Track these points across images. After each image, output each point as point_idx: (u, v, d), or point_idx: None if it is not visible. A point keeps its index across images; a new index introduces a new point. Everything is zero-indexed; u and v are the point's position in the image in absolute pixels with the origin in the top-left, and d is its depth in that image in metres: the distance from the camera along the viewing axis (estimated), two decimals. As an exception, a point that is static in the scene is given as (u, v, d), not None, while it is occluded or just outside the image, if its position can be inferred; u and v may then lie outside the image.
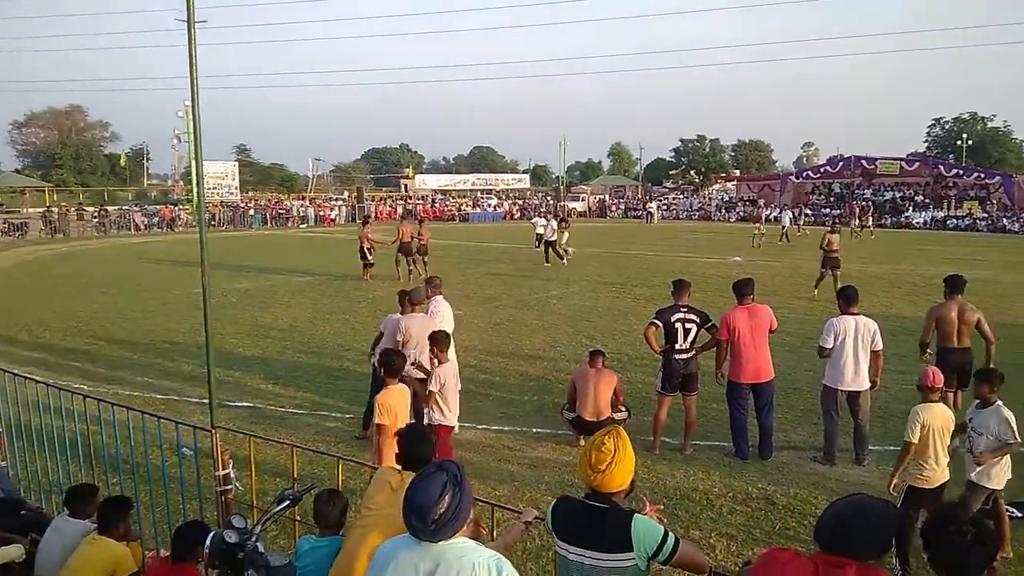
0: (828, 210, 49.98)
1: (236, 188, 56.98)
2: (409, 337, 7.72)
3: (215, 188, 53.32)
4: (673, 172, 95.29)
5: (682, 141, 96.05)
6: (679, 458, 7.71)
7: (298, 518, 5.13)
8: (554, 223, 26.68)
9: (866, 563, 2.55)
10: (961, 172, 52.45)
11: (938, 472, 5.52)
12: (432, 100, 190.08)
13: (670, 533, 3.09)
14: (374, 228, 23.06)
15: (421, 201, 64.11)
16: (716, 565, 3.39)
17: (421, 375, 7.61)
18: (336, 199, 64.71)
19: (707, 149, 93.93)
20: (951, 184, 51.43)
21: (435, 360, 7.01)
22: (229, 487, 5.07)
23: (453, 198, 67.82)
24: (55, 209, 45.55)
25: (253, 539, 3.88)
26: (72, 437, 5.73)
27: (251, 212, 49.84)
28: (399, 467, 3.83)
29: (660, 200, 62.12)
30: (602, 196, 69.43)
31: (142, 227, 45.10)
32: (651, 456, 7.72)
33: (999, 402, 5.55)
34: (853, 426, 7.62)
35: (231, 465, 5.11)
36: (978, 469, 5.48)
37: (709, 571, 3.23)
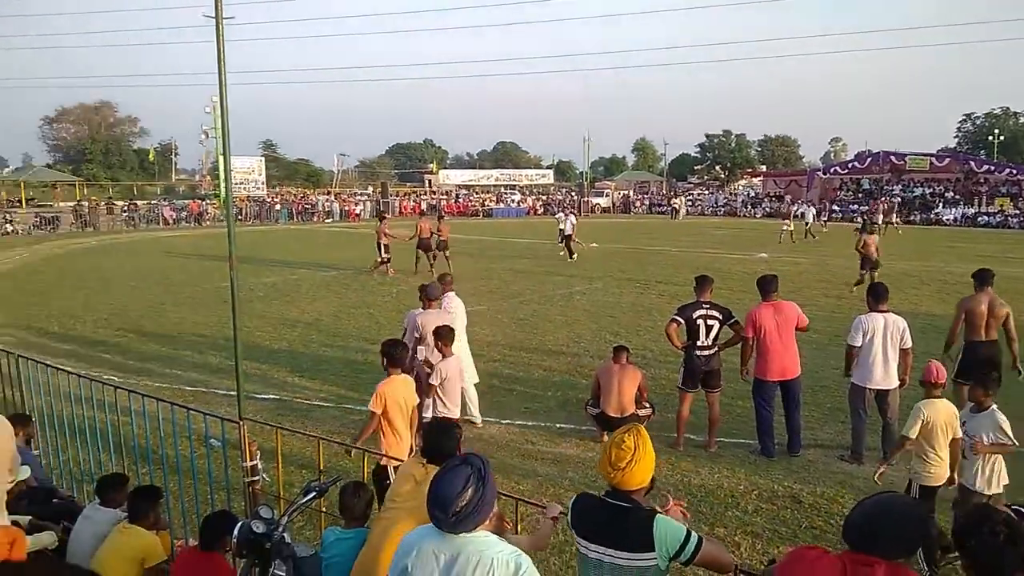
0: (856, 206, 49.35)
1: (263, 183, 57.49)
2: (426, 333, 7.74)
3: (242, 183, 53.83)
4: (698, 167, 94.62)
5: (707, 136, 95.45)
6: (703, 455, 7.68)
7: (324, 510, 5.17)
8: (573, 218, 26.59)
9: (895, 562, 2.52)
10: (992, 168, 51.47)
11: (943, 468, 5.51)
12: (456, 95, 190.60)
13: (693, 532, 3.07)
14: (395, 223, 23.18)
15: (445, 196, 64.28)
16: (741, 564, 3.36)
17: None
18: (361, 194, 65.10)
19: (733, 144, 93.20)
20: (982, 180, 50.51)
21: (439, 354, 7.04)
22: (256, 478, 5.13)
23: (477, 193, 67.90)
24: (85, 203, 46.31)
25: (280, 530, 3.92)
26: (103, 427, 5.82)
27: (277, 207, 50.29)
28: (424, 460, 3.85)
29: (685, 196, 61.68)
30: (626, 192, 69.17)
31: (170, 221, 45.69)
32: (675, 453, 7.69)
33: (994, 407, 5.48)
34: (881, 425, 7.53)
35: (258, 456, 5.17)
36: (972, 473, 5.44)
37: (734, 570, 3.21)
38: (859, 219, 33.23)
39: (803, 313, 7.83)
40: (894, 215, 39.54)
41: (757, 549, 5.75)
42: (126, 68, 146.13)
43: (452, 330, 7.11)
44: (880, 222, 36.81)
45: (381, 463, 5.96)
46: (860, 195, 53.43)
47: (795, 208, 38.55)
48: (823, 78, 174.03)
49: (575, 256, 24.45)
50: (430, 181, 76.53)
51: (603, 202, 61.85)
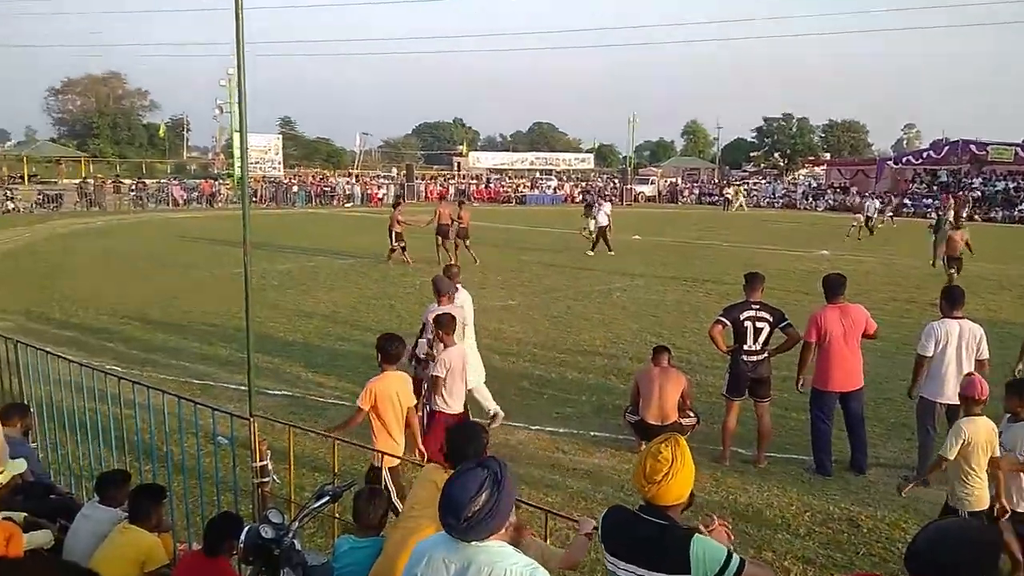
0: (931, 201, 48.45)
1: (279, 163, 58.13)
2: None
3: (258, 163, 54.47)
4: (754, 154, 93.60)
5: (766, 120, 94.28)
6: (752, 471, 7.62)
7: (337, 516, 5.23)
8: (608, 206, 26.48)
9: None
10: (1087, 161, 50.16)
11: (984, 489, 5.45)
12: (488, 72, 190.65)
13: (734, 554, 3.04)
14: (416, 210, 23.28)
15: (475, 180, 64.44)
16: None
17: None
18: (384, 177, 65.57)
19: (794, 129, 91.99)
20: (1075, 174, 49.26)
21: (440, 344, 7.07)
22: (266, 479, 5.20)
23: (509, 178, 67.95)
24: (91, 181, 47.16)
25: (290, 535, 3.98)
26: (104, 420, 5.94)
27: (295, 189, 50.82)
28: (446, 465, 3.88)
29: (740, 185, 61.03)
30: (674, 179, 68.72)
31: (180, 202, 46.41)
32: (720, 467, 7.65)
33: None
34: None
35: (268, 456, 5.24)
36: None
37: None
38: (932, 215, 32.53)
39: (871, 318, 7.72)
40: (966, 210, 38.60)
41: (809, 576, 5.70)
42: (136, 37, 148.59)
43: (453, 318, 7.12)
44: (952, 219, 35.90)
45: (374, 464, 6.02)
46: (935, 188, 52.43)
47: (864, 200, 37.77)
48: (896, 58, 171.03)
49: (594, 251, 24.31)
50: (459, 164, 76.72)
51: (648, 190, 61.53)
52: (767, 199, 58.52)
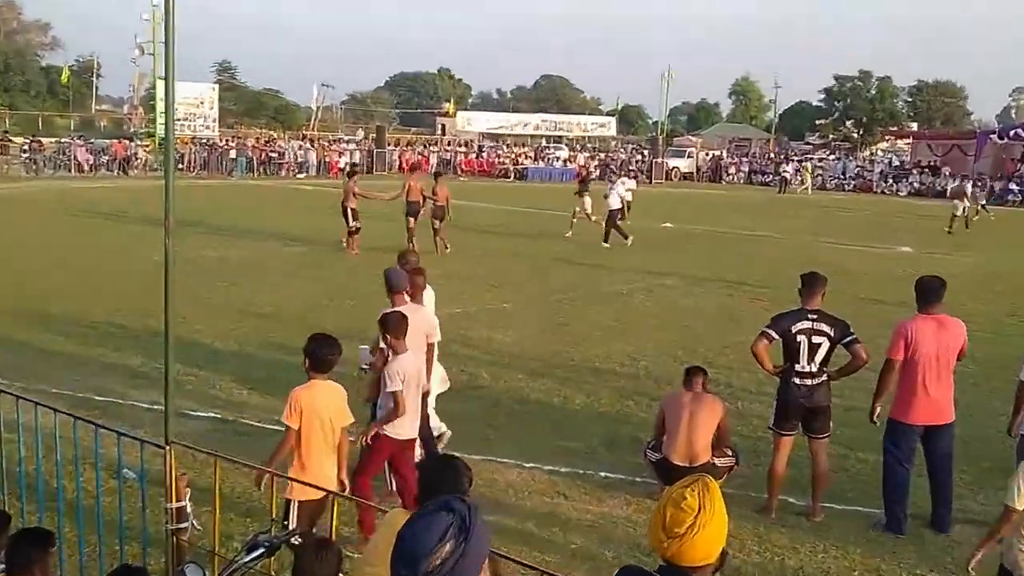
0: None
1: (215, 121, 58.15)
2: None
3: (187, 119, 54.45)
4: (821, 122, 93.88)
5: (837, 79, 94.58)
6: (804, 526, 7.64)
7: (274, 574, 5.23)
8: (632, 183, 26.49)
9: None
10: None
11: None
12: (484, 8, 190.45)
13: None
14: (379, 184, 23.28)
15: (463, 148, 64.48)
16: None
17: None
18: (348, 140, 65.47)
19: (872, 92, 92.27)
20: None
21: (388, 351, 7.05)
22: (184, 525, 5.19)
23: (508, 146, 68.03)
24: (-30, 138, 47.12)
25: (211, 598, 3.97)
26: (-23, 446, 5.95)
27: (233, 154, 50.83)
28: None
29: (807, 161, 61.08)
30: (717, 152, 68.84)
31: (87, 167, 46.35)
32: (765, 521, 7.66)
33: None
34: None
35: (188, 496, 5.23)
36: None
37: None
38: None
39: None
40: None
41: (873, 661, 5.72)
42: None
43: (404, 318, 7.10)
44: None
45: (287, 496, 6.02)
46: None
47: (964, 184, 37.54)
48: (1005, 4, 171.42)
49: (609, 242, 24.35)
50: (444, 127, 76.76)
51: (684, 165, 61.64)
52: (835, 179, 58.63)
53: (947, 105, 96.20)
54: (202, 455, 6.49)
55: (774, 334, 7.74)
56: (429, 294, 8.97)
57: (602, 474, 8.58)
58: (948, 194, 34.58)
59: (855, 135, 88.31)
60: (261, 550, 4.27)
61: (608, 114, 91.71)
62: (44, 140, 50.60)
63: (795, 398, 7.78)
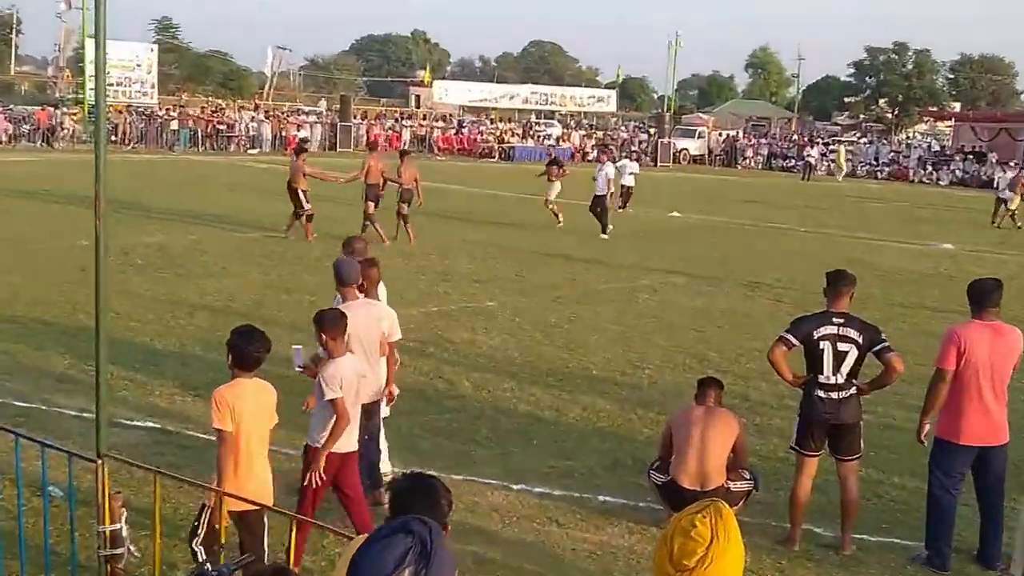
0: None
1: (153, 87, 57.85)
2: (348, 337, 7.69)
3: (121, 84, 54.19)
4: (850, 100, 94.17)
5: (869, 51, 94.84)
6: (833, 560, 7.65)
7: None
8: (634, 166, 26.46)
9: None
10: None
11: None
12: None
13: None
14: (338, 164, 23.23)
15: (440, 123, 64.44)
16: None
17: (370, 396, 7.78)
18: (308, 112, 65.31)
19: (909, 66, 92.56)
20: None
21: (327, 351, 7.01)
22: (120, 551, 5.19)
23: (492, 121, 67.97)
24: None
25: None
26: None
27: (174, 125, 50.63)
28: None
29: (836, 142, 61.18)
30: (732, 132, 69.02)
31: (4, 137, 46.07)
32: (788, 554, 7.67)
33: None
34: None
35: (124, 517, 5.22)
36: None
37: None
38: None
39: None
40: None
41: None
42: None
43: (342, 316, 7.08)
44: None
45: (209, 504, 6.02)
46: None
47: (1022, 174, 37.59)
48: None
49: (607, 233, 24.47)
50: (418, 98, 76.70)
51: (694, 146, 61.86)
52: (867, 165, 58.88)
53: (994, 83, 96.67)
54: (140, 471, 6.45)
55: (794, 340, 7.73)
56: (382, 290, 8.92)
57: (601, 498, 8.55)
58: (999, 184, 34.56)
59: (889, 115, 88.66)
60: (210, 580, 4.26)
61: (607, 87, 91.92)
62: (-45, 106, 50.38)
63: (819, 413, 7.77)
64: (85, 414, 9.17)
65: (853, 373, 7.73)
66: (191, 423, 9.85)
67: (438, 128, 62.15)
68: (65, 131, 47.92)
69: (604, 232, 24.55)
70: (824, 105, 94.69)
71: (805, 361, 7.79)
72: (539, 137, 62.40)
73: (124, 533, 5.25)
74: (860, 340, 7.68)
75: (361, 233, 20.94)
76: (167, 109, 55.74)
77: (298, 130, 53.02)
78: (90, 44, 42.06)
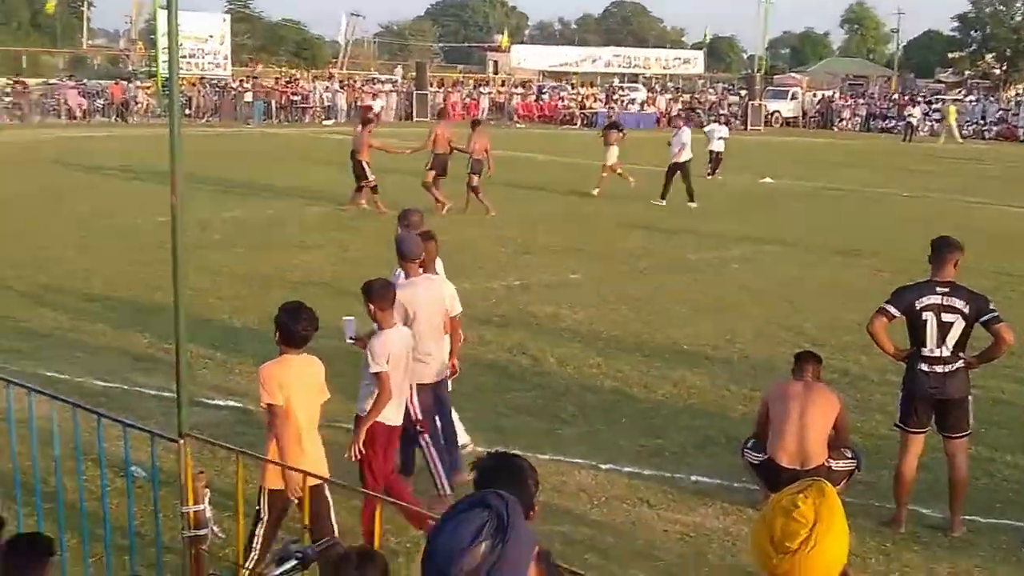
0: None
1: (226, 58, 58.47)
2: (411, 313, 7.72)
3: (194, 56, 54.84)
4: (954, 56, 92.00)
5: (974, 4, 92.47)
6: (941, 543, 7.56)
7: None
8: (724, 130, 26.05)
9: None
10: None
11: None
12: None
13: None
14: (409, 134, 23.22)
15: (520, 90, 64.31)
16: None
17: (429, 378, 7.82)
18: (383, 80, 65.60)
19: (1018, 18, 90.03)
20: None
21: (375, 323, 7.07)
22: (203, 532, 5.26)
23: (573, 86, 67.64)
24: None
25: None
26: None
27: (248, 97, 51.18)
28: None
29: (944, 101, 59.88)
30: (827, 92, 67.91)
31: (79, 113, 46.96)
32: (893, 537, 7.59)
33: None
34: None
35: (207, 498, 5.30)
36: None
37: None
38: None
39: None
40: None
41: None
42: None
43: (390, 285, 7.11)
44: None
45: (266, 486, 6.10)
46: None
47: None
48: None
49: (694, 201, 24.17)
50: (496, 64, 76.53)
51: (787, 108, 60.96)
52: (973, 124, 57.47)
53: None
54: (222, 451, 6.56)
55: (895, 311, 7.64)
56: (438, 263, 8.95)
57: (693, 478, 8.54)
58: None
59: (996, 71, 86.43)
60: (294, 562, 4.31)
61: (694, 47, 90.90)
62: (29, 81, 51.25)
63: (923, 388, 7.67)
64: (165, 393, 9.35)
65: (960, 345, 7.60)
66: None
67: (517, 95, 62.08)
68: (139, 105, 48.72)
69: (692, 200, 24.24)
70: (926, 61, 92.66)
71: (908, 333, 7.69)
72: (623, 102, 61.87)
73: (208, 514, 5.32)
74: (966, 310, 7.54)
75: (441, 207, 21.16)
76: (240, 81, 56.19)
77: (373, 99, 53.20)
78: (162, 15, 42.73)
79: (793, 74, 79.85)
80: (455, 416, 8.60)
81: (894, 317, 7.64)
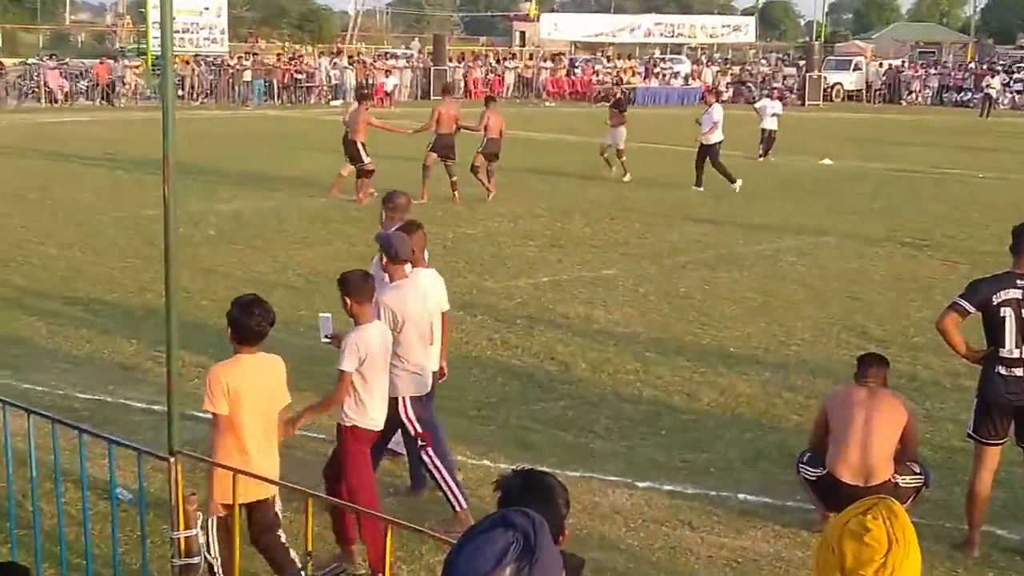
0: None
1: (223, 32, 58.50)
2: (400, 320, 7.66)
3: (188, 31, 54.89)
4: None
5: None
6: (1019, 567, 7.51)
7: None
8: (777, 106, 25.98)
9: None
10: None
11: None
12: None
13: None
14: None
15: (549, 64, 64.18)
16: None
17: (424, 389, 7.82)
18: (398, 56, 65.59)
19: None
20: None
21: (352, 317, 7.09)
22: (195, 560, 5.29)
23: (609, 60, 67.49)
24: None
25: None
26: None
27: (248, 76, 51.24)
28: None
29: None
30: (895, 62, 67.50)
31: (60, 96, 47.14)
32: (966, 561, 7.55)
33: None
34: None
35: (200, 522, 5.32)
36: None
37: None
38: None
39: None
40: None
41: None
42: None
43: (368, 278, 7.13)
44: None
45: (214, 503, 6.06)
46: None
47: None
48: None
49: (701, 185, 24.26)
50: (523, 35, 76.43)
51: (849, 81, 60.68)
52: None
53: None
54: (217, 470, 6.58)
55: (969, 306, 7.58)
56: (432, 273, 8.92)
57: (741, 496, 8.51)
58: None
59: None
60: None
61: (744, 13, 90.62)
62: (6, 61, 51.44)
63: (1000, 394, 7.61)
64: (155, 406, 9.38)
65: (1046, 342, 7.57)
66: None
67: (546, 69, 61.88)
68: (126, 86, 48.82)
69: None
70: (1007, 26, 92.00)
71: (984, 332, 7.65)
72: (664, 76, 61.72)
73: (200, 540, 5.35)
74: (1051, 307, 7.51)
75: (456, 196, 21.19)
76: (239, 57, 56.06)
77: (387, 76, 53.20)
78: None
79: (857, 42, 79.44)
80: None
81: (968, 314, 7.58)
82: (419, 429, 7.67)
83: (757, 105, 32.55)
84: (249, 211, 20.67)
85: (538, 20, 76.05)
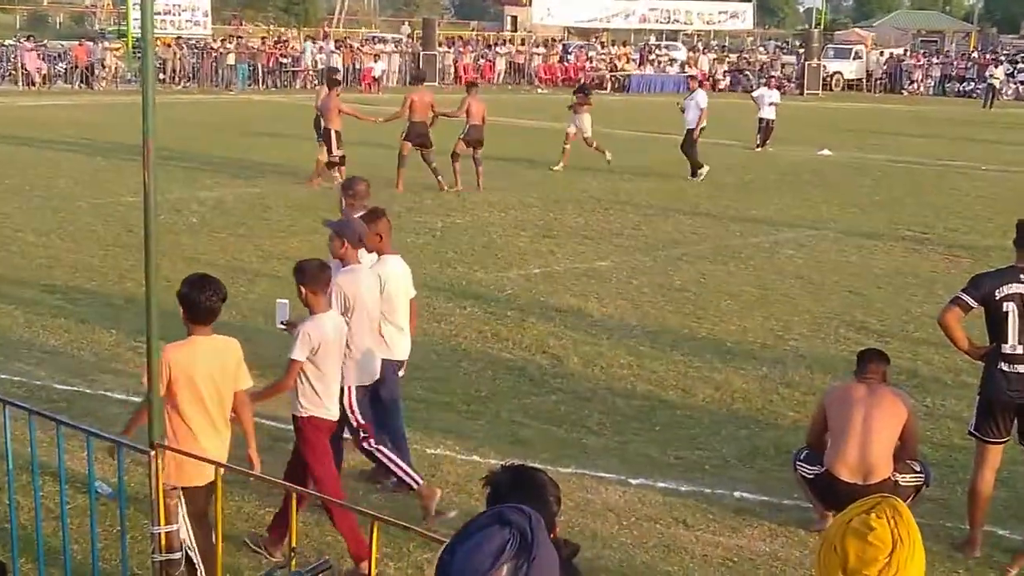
0: None
1: (206, 15, 58.40)
2: (351, 303, 7.70)
3: (169, 13, 54.79)
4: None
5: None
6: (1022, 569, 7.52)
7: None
8: (775, 95, 26.02)
9: None
10: None
11: None
12: None
13: None
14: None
15: (542, 50, 64.16)
16: None
17: (369, 379, 7.86)
18: (386, 40, 65.49)
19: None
20: None
21: (307, 306, 7.18)
22: (176, 555, 5.27)
23: (603, 46, 67.45)
24: None
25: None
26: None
27: (231, 60, 51.13)
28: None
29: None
30: (896, 50, 67.56)
31: (37, 79, 47.02)
32: (967, 562, 7.57)
33: None
34: None
35: (182, 515, 5.31)
36: None
37: None
38: None
39: None
40: None
41: None
42: None
43: (324, 267, 7.17)
44: None
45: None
46: None
47: None
48: None
49: (702, 172, 24.25)
50: (515, 20, 76.39)
51: (849, 70, 60.73)
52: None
53: None
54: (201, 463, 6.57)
55: (972, 301, 7.60)
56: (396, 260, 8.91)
57: (736, 494, 8.52)
58: None
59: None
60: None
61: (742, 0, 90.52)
62: (-19, 43, 51.47)
63: (1003, 392, 7.63)
64: (134, 397, 9.34)
65: (1046, 341, 7.58)
66: (260, 407, 10.00)
67: (539, 55, 61.87)
68: (106, 69, 48.64)
69: (695, 174, 24.36)
70: (1011, 14, 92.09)
71: (987, 327, 7.67)
72: (660, 63, 61.72)
73: (182, 535, 5.34)
74: (1053, 301, 7.53)
75: (440, 181, 21.17)
76: (222, 40, 55.95)
77: (375, 61, 53.13)
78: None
79: (857, 30, 79.48)
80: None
81: (970, 308, 7.61)
82: (361, 420, 7.71)
83: (755, 94, 32.61)
84: (232, 198, 20.62)
85: (530, 5, 75.79)
